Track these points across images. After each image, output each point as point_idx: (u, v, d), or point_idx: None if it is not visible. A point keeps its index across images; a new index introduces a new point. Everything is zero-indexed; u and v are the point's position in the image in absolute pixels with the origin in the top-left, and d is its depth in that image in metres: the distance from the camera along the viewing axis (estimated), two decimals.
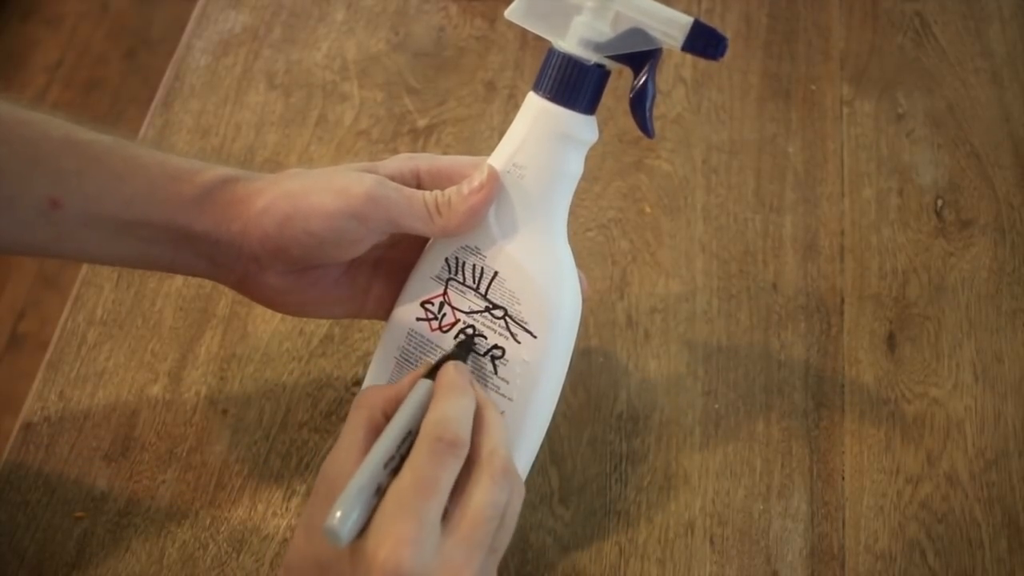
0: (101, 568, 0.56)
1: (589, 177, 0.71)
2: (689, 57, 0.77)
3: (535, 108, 0.51)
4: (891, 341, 0.65)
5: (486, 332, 0.53)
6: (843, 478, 0.60)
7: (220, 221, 0.52)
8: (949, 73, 0.77)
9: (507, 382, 0.53)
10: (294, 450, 0.61)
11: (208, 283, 0.66)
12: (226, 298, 0.66)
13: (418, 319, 0.54)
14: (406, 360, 0.54)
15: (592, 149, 0.72)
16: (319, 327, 0.65)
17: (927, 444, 0.61)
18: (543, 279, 0.52)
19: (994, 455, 0.61)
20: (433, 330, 0.54)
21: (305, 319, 0.65)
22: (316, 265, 0.53)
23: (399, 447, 0.46)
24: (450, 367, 0.50)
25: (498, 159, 0.52)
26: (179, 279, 0.66)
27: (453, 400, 0.47)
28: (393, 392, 0.49)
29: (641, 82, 0.50)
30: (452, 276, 0.53)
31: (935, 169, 0.73)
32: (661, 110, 0.75)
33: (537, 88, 0.51)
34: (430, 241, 0.55)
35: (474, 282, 0.53)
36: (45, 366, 0.63)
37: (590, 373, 0.63)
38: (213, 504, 0.59)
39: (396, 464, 0.45)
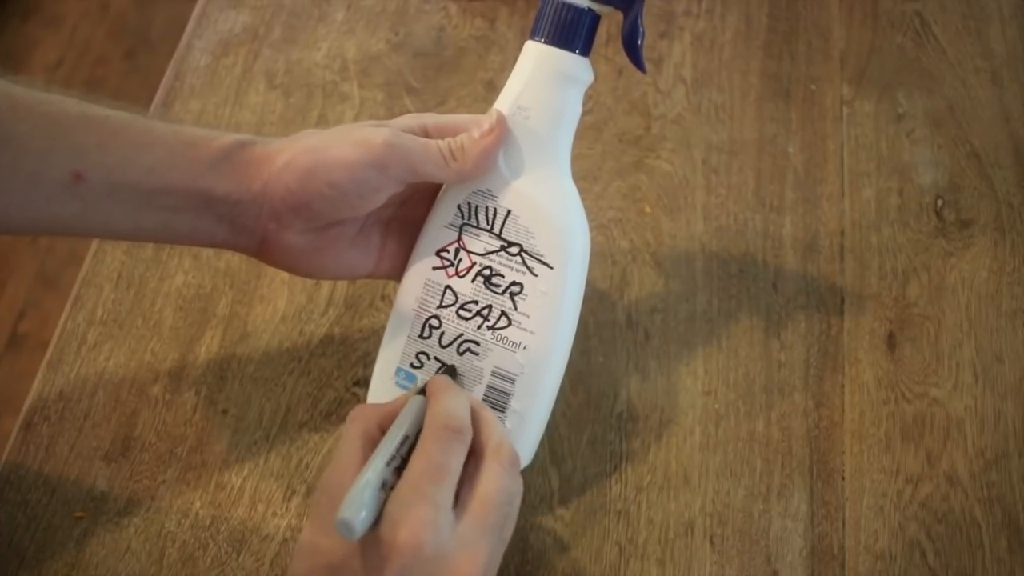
0: (101, 568, 0.56)
1: (589, 177, 0.71)
2: (689, 57, 0.78)
3: (535, 52, 0.55)
4: (891, 341, 0.65)
5: (503, 271, 0.55)
6: (843, 478, 0.60)
7: (240, 181, 0.54)
8: (949, 73, 0.77)
9: (528, 316, 0.55)
10: (294, 450, 0.61)
11: (208, 283, 0.66)
12: (226, 298, 0.66)
13: (434, 268, 0.56)
14: (424, 310, 0.56)
15: (592, 149, 0.73)
16: (319, 327, 0.65)
17: (927, 444, 0.61)
18: (555, 211, 0.55)
19: (994, 455, 0.61)
20: (450, 276, 0.56)
21: (307, 315, 0.65)
22: (335, 221, 0.55)
23: (399, 449, 0.47)
24: (438, 377, 0.53)
25: (503, 104, 0.55)
26: (179, 278, 0.66)
27: (450, 396, 0.50)
28: (387, 408, 0.51)
29: (631, 21, 0.54)
30: (466, 221, 0.56)
31: (935, 169, 0.72)
32: (661, 110, 0.75)
33: (535, 35, 0.55)
34: (440, 191, 0.57)
35: (488, 223, 0.55)
36: (45, 366, 0.63)
37: (590, 373, 0.63)
38: (213, 504, 0.59)
39: (399, 464, 0.46)
